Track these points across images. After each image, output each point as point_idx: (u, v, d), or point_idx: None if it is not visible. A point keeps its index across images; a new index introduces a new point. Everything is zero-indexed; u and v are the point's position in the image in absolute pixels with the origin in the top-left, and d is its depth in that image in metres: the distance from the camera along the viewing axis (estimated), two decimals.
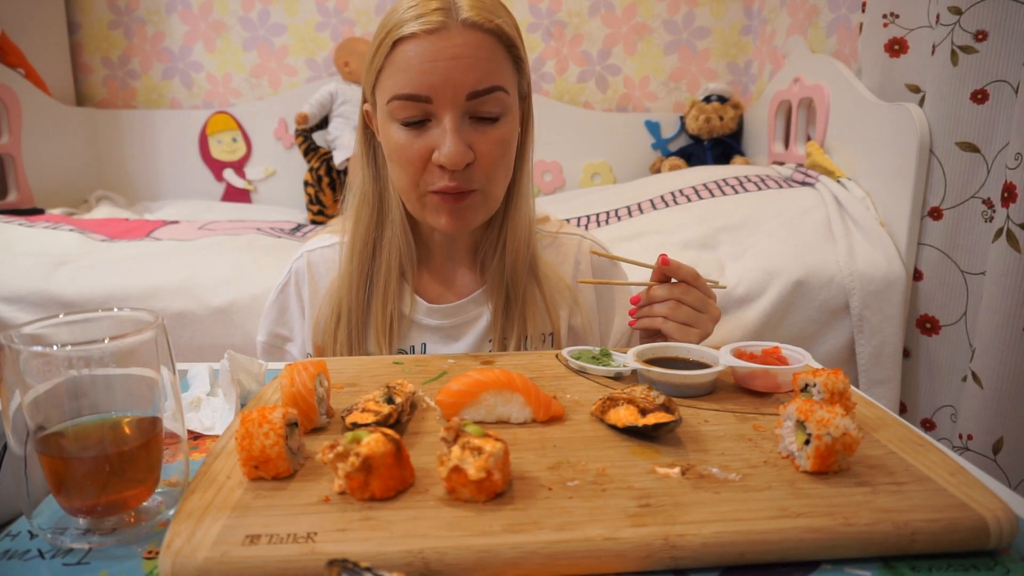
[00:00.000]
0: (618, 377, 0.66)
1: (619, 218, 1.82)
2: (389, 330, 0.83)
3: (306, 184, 2.52)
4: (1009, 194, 1.21)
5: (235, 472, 0.47)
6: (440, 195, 0.75)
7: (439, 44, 0.70)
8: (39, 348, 0.40)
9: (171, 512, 0.45)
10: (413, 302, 0.85)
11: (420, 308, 0.85)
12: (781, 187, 1.77)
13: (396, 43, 0.72)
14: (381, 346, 0.83)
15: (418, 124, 0.73)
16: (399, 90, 0.72)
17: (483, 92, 0.72)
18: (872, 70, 1.64)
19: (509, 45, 0.74)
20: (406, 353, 0.85)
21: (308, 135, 2.53)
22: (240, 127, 2.72)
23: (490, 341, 0.86)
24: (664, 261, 0.76)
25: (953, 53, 1.34)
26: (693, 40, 2.72)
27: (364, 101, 0.81)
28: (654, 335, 0.81)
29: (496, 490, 0.43)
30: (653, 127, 2.74)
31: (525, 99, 0.81)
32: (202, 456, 0.56)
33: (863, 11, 1.65)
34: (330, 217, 2.44)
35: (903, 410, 1.55)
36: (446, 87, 0.71)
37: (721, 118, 2.56)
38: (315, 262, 0.90)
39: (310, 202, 2.52)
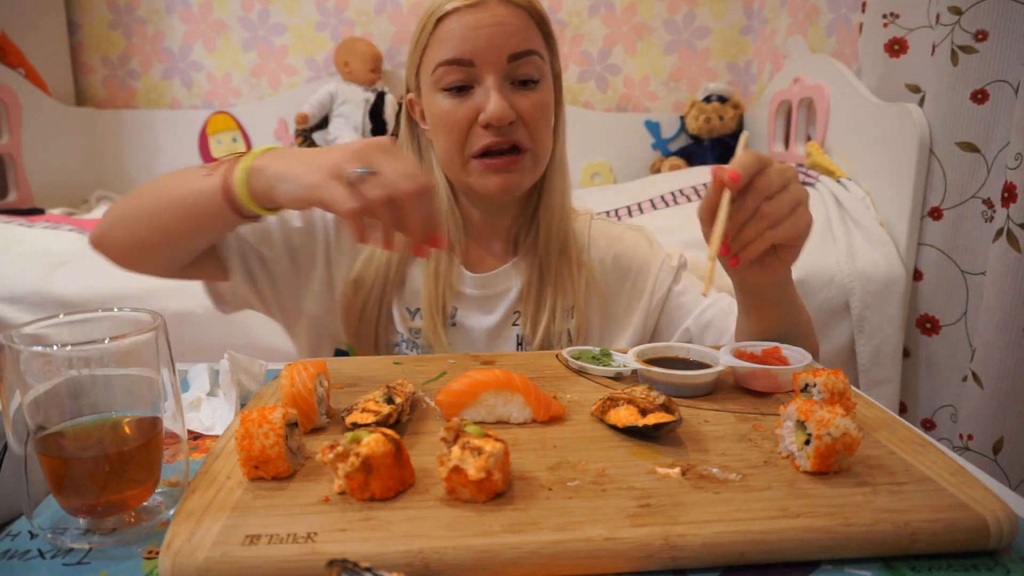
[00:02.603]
0: (618, 377, 0.66)
1: (619, 218, 1.82)
2: (443, 303, 0.84)
3: None
4: (1009, 194, 1.21)
5: (235, 472, 0.47)
6: (486, 159, 0.78)
7: (480, 15, 0.76)
8: (39, 348, 0.40)
9: (171, 512, 0.45)
10: (459, 272, 0.86)
11: (464, 278, 0.87)
12: None
13: (439, 20, 0.77)
14: (429, 314, 0.83)
15: (461, 90, 0.78)
16: (443, 57, 0.77)
17: (522, 54, 0.77)
18: (872, 70, 1.64)
19: (540, 21, 0.81)
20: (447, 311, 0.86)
21: (308, 135, 2.53)
22: (240, 127, 2.72)
23: (516, 312, 0.87)
24: (734, 177, 0.59)
25: (953, 53, 1.34)
26: (693, 40, 2.72)
27: (408, 91, 0.86)
28: (764, 259, 0.65)
29: (496, 490, 0.43)
30: (653, 127, 2.74)
31: (557, 80, 0.85)
32: (202, 456, 0.56)
33: (863, 11, 1.65)
34: None
35: (903, 410, 1.55)
36: (488, 50, 0.76)
37: (721, 118, 2.56)
38: None
39: None
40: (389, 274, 0.85)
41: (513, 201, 0.87)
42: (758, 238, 0.61)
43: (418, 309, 0.85)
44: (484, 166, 0.79)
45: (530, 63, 0.78)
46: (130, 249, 0.74)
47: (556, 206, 0.86)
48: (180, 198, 0.68)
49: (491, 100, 0.76)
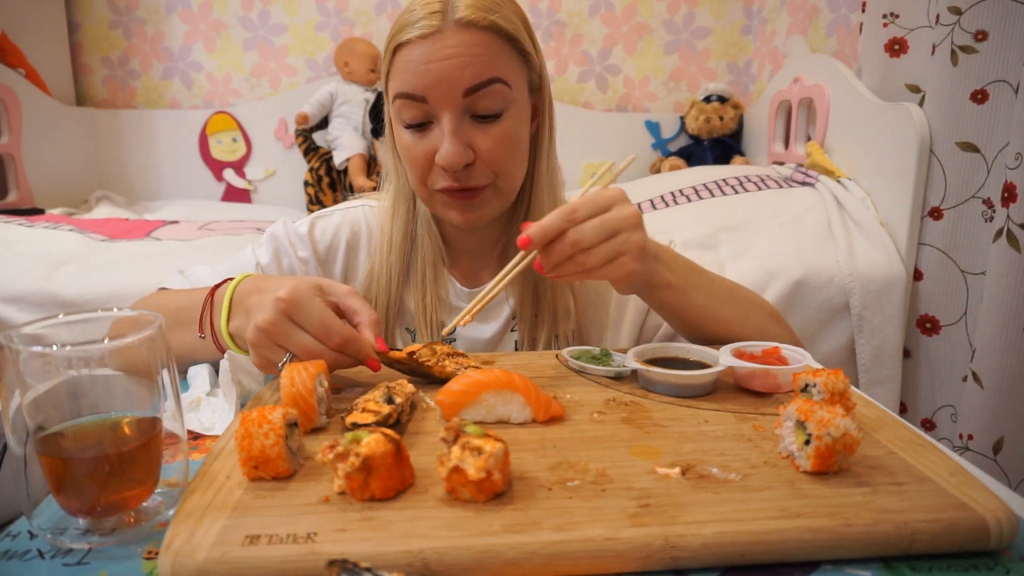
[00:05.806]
0: (618, 377, 0.66)
1: None
2: (437, 320, 0.85)
3: (306, 184, 2.52)
4: (1009, 194, 1.21)
5: (235, 472, 0.47)
6: (447, 193, 0.76)
7: (433, 46, 0.71)
8: (39, 348, 0.40)
9: (171, 512, 0.45)
10: (450, 284, 0.87)
11: (454, 290, 0.87)
12: (781, 187, 1.77)
13: (397, 48, 0.74)
14: (423, 332, 0.84)
15: (421, 126, 0.75)
16: (398, 89, 0.74)
17: (479, 86, 0.72)
18: (872, 70, 1.64)
19: (510, 39, 0.74)
20: (445, 325, 0.87)
21: (308, 135, 2.53)
22: (240, 127, 2.72)
23: (513, 330, 0.86)
24: (523, 244, 0.61)
25: (953, 53, 1.34)
26: (693, 40, 2.73)
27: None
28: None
29: (496, 490, 0.43)
30: (653, 127, 2.74)
31: (538, 91, 0.81)
32: (202, 456, 0.56)
33: (863, 11, 1.65)
34: None
35: (903, 410, 1.55)
36: (441, 86, 0.72)
37: (721, 118, 2.56)
38: (372, 222, 0.89)
39: (310, 202, 2.52)
40: (390, 299, 0.85)
41: (491, 221, 0.85)
42: (570, 266, 0.63)
43: (415, 329, 0.86)
44: (446, 200, 0.77)
45: (490, 94, 0.72)
46: None
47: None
48: (177, 347, 0.72)
49: (444, 144, 0.72)
